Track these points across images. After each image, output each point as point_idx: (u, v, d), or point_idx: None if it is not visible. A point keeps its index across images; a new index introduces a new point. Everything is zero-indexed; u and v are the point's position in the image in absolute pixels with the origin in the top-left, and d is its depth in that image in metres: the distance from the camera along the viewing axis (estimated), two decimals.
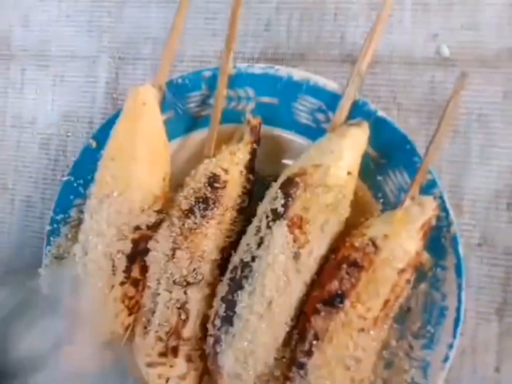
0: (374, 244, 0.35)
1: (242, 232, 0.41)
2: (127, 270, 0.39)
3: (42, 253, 0.46)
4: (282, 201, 0.37)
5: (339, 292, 0.35)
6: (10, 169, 0.53)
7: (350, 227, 0.38)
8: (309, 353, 0.35)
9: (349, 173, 0.37)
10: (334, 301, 0.35)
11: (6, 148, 0.53)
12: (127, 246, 0.39)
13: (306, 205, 0.36)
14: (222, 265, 0.41)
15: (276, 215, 0.37)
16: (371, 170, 0.40)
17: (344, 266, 0.36)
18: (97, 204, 0.38)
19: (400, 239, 0.35)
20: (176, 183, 0.43)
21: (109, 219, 0.38)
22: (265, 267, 0.36)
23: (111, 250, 0.38)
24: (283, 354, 0.37)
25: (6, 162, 0.53)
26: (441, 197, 0.38)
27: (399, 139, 0.39)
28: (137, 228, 0.39)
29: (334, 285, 0.36)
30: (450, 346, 0.37)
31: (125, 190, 0.38)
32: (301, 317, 0.37)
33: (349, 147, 0.37)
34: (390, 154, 0.39)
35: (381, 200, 0.40)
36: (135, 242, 0.39)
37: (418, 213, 0.36)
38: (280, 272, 0.36)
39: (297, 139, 0.42)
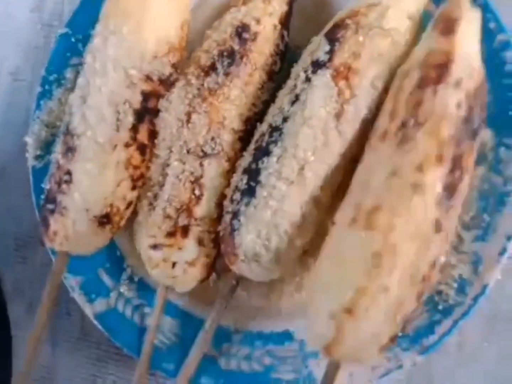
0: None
1: (269, 104, 0.35)
2: (134, 129, 0.33)
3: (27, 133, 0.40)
4: (327, 48, 0.30)
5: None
6: None
7: None
8: None
9: (410, 18, 0.31)
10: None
11: None
12: (136, 98, 0.32)
13: (356, 50, 0.30)
14: (245, 138, 0.35)
15: (318, 65, 0.31)
16: None
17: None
18: (102, 42, 0.32)
19: None
20: (194, 46, 0.37)
21: (116, 59, 0.31)
22: (300, 123, 0.30)
23: (117, 97, 0.31)
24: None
25: None
26: None
27: None
28: (148, 78, 0.32)
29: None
30: (510, 237, 0.32)
31: (137, 27, 0.31)
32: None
33: None
34: None
35: None
36: (145, 96, 0.33)
37: None
38: (318, 130, 0.30)
39: None
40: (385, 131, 0.28)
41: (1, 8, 0.46)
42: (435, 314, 0.33)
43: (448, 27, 0.28)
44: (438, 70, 0.27)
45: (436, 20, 0.29)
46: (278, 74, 0.36)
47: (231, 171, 0.34)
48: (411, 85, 0.28)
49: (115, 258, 0.39)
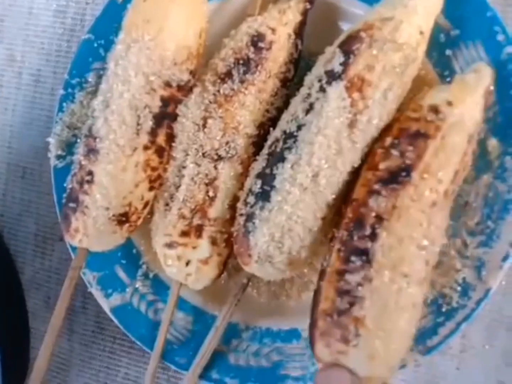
0: (437, 111, 0.31)
1: (282, 110, 0.36)
2: (153, 133, 0.34)
3: (49, 134, 0.41)
4: (342, 59, 0.32)
5: (403, 165, 0.30)
6: (19, 39, 0.47)
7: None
8: (372, 237, 0.30)
9: (421, 33, 0.32)
10: (398, 176, 0.30)
11: (16, 14, 0.47)
12: (155, 103, 0.34)
13: (371, 63, 0.31)
14: (258, 143, 0.37)
15: (333, 76, 0.32)
16: (440, 44, 0.34)
17: (404, 139, 0.31)
18: (124, 49, 0.33)
19: (466, 106, 0.31)
20: (211, 54, 0.38)
21: (137, 66, 0.33)
22: (315, 132, 0.31)
23: (137, 102, 0.33)
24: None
25: (14, 31, 0.47)
26: None
27: (478, 5, 0.34)
28: (167, 84, 0.34)
29: (394, 161, 0.31)
30: None
31: (157, 34, 0.33)
32: (351, 206, 0.32)
33: (425, 2, 0.32)
34: (465, 23, 0.34)
35: (448, 79, 0.35)
36: (164, 101, 0.34)
37: (476, 79, 0.32)
38: (332, 140, 0.31)
39: (354, 8, 0.37)
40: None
41: (25, 12, 0.47)
42: (439, 316, 0.34)
43: None
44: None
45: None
46: (291, 81, 0.37)
47: (244, 174, 0.36)
48: None
49: (131, 255, 0.40)
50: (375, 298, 0.29)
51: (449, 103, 0.31)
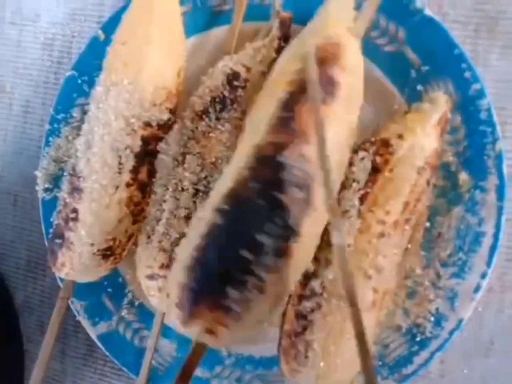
0: (387, 145, 0.32)
1: None
2: (134, 171, 0.35)
3: (38, 163, 0.43)
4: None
5: None
6: (8, 71, 0.49)
7: None
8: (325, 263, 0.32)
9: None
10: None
11: (5, 47, 0.48)
12: (136, 143, 0.35)
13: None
14: None
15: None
16: (411, 79, 0.35)
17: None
18: (104, 92, 0.34)
19: (416, 137, 0.32)
20: (190, 89, 0.39)
21: (117, 109, 0.34)
22: None
23: (119, 144, 0.34)
24: None
25: (4, 63, 0.49)
26: (488, 110, 0.34)
27: (446, 43, 0.34)
28: (148, 124, 0.35)
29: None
30: (483, 275, 0.34)
31: (136, 78, 0.34)
32: None
33: None
34: (434, 59, 0.35)
35: None
36: (145, 140, 0.35)
37: (431, 109, 0.33)
38: None
39: None
40: None
41: (13, 44, 0.49)
42: (413, 346, 0.35)
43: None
44: None
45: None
46: None
47: None
48: None
49: (117, 284, 0.42)
50: (322, 324, 0.31)
51: (399, 136, 0.32)
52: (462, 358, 0.40)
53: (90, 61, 0.40)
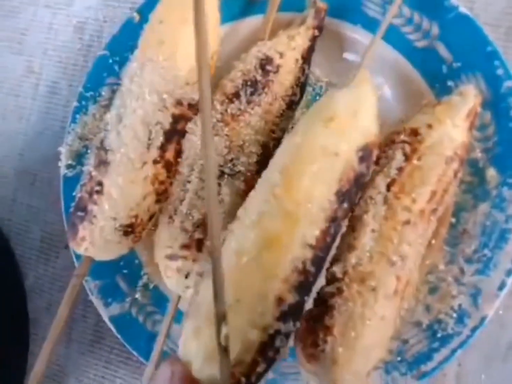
0: (416, 133, 0.32)
1: (287, 131, 0.38)
2: (162, 148, 0.35)
3: (60, 144, 0.43)
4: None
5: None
6: (38, 52, 0.49)
7: None
8: (349, 249, 0.31)
9: None
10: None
11: (37, 29, 0.49)
12: (167, 120, 0.35)
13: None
14: (261, 162, 0.38)
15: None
16: (442, 75, 0.36)
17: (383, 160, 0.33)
18: (139, 67, 0.34)
19: (445, 127, 0.32)
20: (221, 75, 0.39)
21: (151, 84, 0.34)
22: None
23: (150, 119, 0.34)
24: None
25: (34, 45, 0.49)
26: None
27: (479, 40, 0.35)
28: (179, 103, 0.35)
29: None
30: (509, 273, 0.33)
31: (172, 56, 0.34)
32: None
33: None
34: (466, 56, 0.35)
35: None
36: (175, 118, 0.35)
37: (460, 102, 0.33)
38: None
39: (360, 37, 0.38)
40: None
41: (45, 27, 0.50)
42: (434, 342, 0.35)
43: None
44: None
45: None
46: (297, 104, 0.39)
47: (246, 192, 0.37)
48: None
49: (133, 265, 0.41)
50: (343, 309, 0.30)
51: (429, 126, 0.33)
52: (480, 362, 0.39)
53: (123, 42, 0.41)
